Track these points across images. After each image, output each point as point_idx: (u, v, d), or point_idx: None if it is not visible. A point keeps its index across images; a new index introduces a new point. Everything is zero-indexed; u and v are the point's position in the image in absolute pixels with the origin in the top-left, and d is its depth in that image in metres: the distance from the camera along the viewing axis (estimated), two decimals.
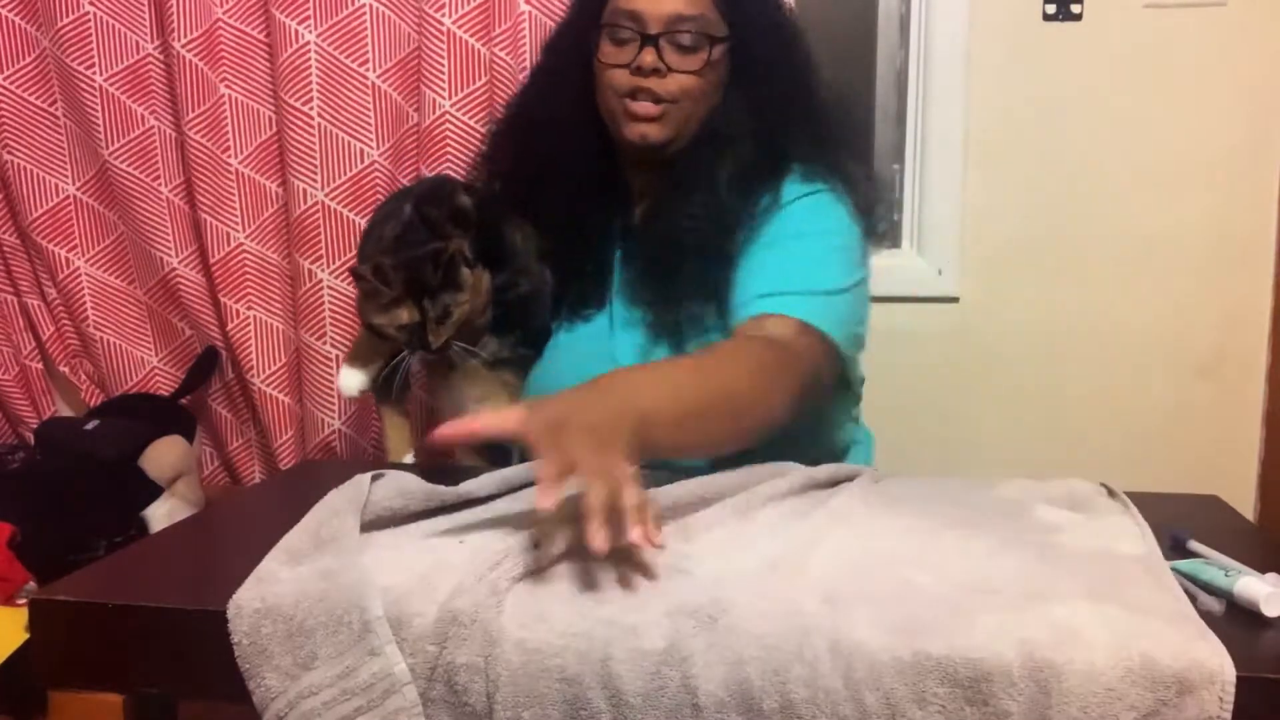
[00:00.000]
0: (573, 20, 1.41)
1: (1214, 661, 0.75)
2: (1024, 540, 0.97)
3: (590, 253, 1.38)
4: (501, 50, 1.62)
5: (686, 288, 1.29)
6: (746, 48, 1.31)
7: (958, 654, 0.76)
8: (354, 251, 1.73)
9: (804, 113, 1.33)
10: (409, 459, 1.43)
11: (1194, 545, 1.00)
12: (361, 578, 0.84)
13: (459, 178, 1.53)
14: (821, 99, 1.36)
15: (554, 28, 1.49)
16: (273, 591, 0.85)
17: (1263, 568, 0.91)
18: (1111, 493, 1.13)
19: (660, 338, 1.30)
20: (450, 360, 1.35)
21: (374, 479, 1.04)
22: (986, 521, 1.02)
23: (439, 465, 1.36)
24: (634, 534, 0.84)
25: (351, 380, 1.38)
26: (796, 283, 1.22)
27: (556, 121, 1.37)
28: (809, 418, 1.20)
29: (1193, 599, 0.89)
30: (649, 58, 1.28)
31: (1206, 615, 0.86)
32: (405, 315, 1.29)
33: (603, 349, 1.32)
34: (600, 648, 0.79)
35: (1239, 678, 0.75)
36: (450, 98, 1.63)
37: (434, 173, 1.62)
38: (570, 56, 1.37)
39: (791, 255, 1.25)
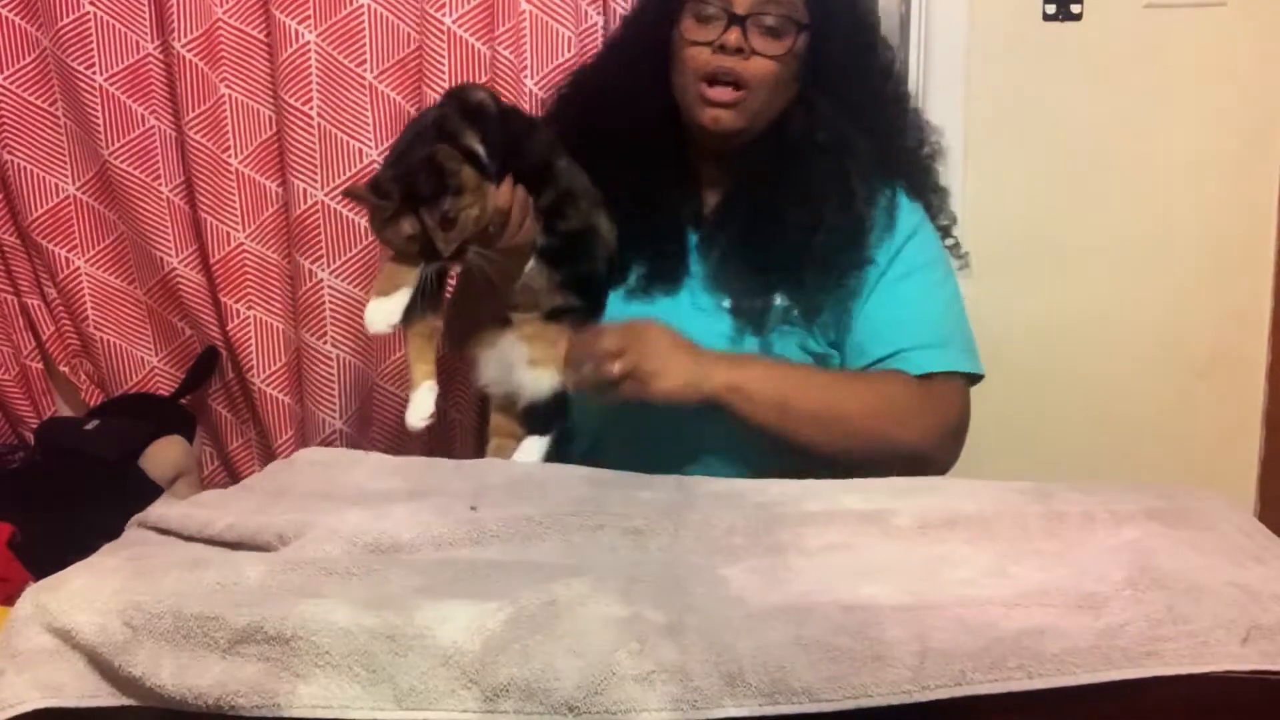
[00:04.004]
0: None
1: None
2: None
3: (660, 235, 1.36)
4: (503, 49, 1.62)
5: (778, 282, 1.30)
6: (827, 44, 1.29)
7: None
8: (354, 252, 1.73)
9: (898, 122, 1.34)
10: (427, 388, 1.30)
11: None
12: None
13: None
14: (907, 107, 1.37)
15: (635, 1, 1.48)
16: None
17: None
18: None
19: (746, 326, 1.29)
20: (489, 278, 1.29)
21: None
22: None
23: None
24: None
25: (378, 312, 1.25)
26: (929, 332, 1.32)
27: (629, 97, 1.35)
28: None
29: None
30: (733, 37, 1.25)
31: None
32: (408, 226, 1.23)
33: (684, 331, 1.29)
34: None
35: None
36: None
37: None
38: (649, 31, 1.34)
39: (920, 298, 1.34)
